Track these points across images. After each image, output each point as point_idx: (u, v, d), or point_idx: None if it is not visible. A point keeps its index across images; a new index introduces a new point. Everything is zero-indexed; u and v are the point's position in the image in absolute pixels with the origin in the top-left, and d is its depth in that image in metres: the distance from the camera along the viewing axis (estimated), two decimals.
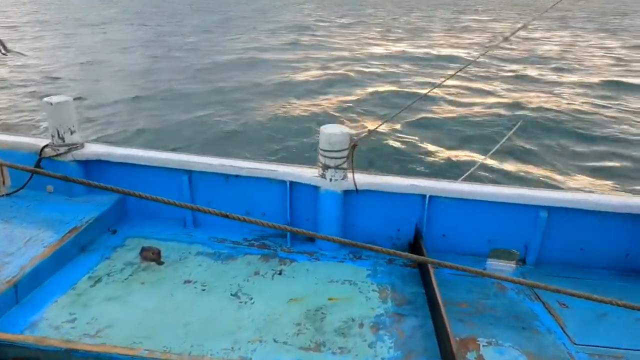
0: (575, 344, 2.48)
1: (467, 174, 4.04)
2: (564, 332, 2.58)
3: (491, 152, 4.31)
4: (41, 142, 3.38)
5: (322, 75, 15.37)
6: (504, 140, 4.92)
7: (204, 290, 2.76)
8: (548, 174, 7.41)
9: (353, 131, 3.19)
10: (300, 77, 14.79)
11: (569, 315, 2.72)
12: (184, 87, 13.22)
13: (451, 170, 7.35)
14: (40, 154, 3.26)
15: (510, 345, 2.45)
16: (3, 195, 2.72)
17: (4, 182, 2.59)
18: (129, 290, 2.70)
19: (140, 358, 1.80)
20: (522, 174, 7.34)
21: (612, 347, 2.46)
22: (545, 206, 3.12)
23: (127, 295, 2.66)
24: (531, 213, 3.17)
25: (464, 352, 2.36)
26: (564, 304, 2.82)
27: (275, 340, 2.37)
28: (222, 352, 2.25)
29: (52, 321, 2.38)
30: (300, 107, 11.63)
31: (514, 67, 17.15)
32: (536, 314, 2.73)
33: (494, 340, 2.49)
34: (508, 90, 13.55)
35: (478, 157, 7.57)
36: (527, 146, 8.65)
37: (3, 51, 2.71)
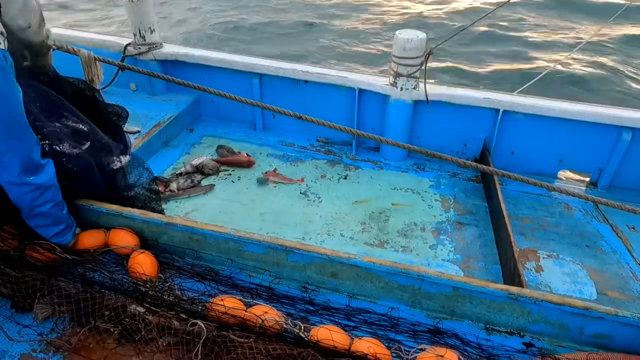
0: None
1: (538, 78, 3.82)
2: (630, 253, 2.57)
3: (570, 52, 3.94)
4: (124, 40, 3.55)
5: None
6: (580, 45, 4.38)
7: (275, 187, 2.97)
8: (633, 91, 6.74)
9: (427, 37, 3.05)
10: None
11: (637, 239, 2.68)
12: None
13: (524, 86, 6.90)
14: (124, 52, 3.44)
15: (571, 260, 2.50)
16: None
17: (98, 77, 2.79)
18: (208, 181, 2.97)
19: (228, 235, 2.04)
20: (605, 91, 6.73)
21: None
22: (630, 127, 2.93)
23: None
24: (612, 134, 2.99)
25: (524, 261, 2.44)
26: (634, 228, 2.77)
27: (342, 235, 2.57)
28: (294, 240, 2.48)
29: None
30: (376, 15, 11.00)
31: None
32: (602, 235, 2.71)
33: (554, 253, 2.54)
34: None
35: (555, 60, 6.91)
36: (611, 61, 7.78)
37: None
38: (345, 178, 3.12)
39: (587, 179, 3.24)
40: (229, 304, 1.81)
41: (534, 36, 9.47)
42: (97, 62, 2.66)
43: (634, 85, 7.25)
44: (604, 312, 1.68)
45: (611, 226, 2.79)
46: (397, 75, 3.04)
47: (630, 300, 2.25)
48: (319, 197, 2.88)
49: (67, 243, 2.00)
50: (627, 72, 7.65)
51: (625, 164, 3.05)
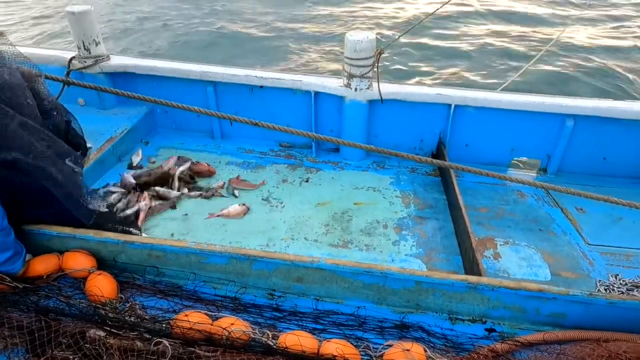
0: (589, 244, 2.63)
1: (503, 86, 3.98)
2: (579, 233, 2.71)
3: (526, 66, 4.18)
4: (68, 54, 3.41)
5: None
6: (539, 54, 4.65)
7: (236, 196, 2.94)
8: (572, 82, 7.16)
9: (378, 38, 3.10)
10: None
11: (585, 220, 2.84)
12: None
13: (478, 83, 7.10)
14: (69, 67, 3.31)
15: (526, 245, 2.61)
16: None
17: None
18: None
19: (189, 249, 2.00)
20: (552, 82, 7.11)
21: (624, 247, 2.60)
22: (571, 115, 3.10)
23: None
24: (557, 122, 3.16)
25: (482, 250, 2.53)
26: (582, 209, 2.93)
27: (306, 239, 2.58)
28: (258, 248, 2.47)
29: None
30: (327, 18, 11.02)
31: None
32: (553, 218, 2.85)
33: (510, 240, 2.65)
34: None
35: (511, 71, 7.19)
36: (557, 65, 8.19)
37: None
38: (307, 181, 3.13)
39: (538, 166, 3.40)
40: (194, 318, 1.78)
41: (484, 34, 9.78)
42: (38, 78, 2.53)
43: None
44: (557, 292, 1.77)
45: (561, 209, 2.94)
46: (351, 76, 3.08)
47: (581, 278, 2.38)
48: (282, 202, 2.88)
49: (17, 271, 1.90)
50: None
51: (570, 149, 3.22)
